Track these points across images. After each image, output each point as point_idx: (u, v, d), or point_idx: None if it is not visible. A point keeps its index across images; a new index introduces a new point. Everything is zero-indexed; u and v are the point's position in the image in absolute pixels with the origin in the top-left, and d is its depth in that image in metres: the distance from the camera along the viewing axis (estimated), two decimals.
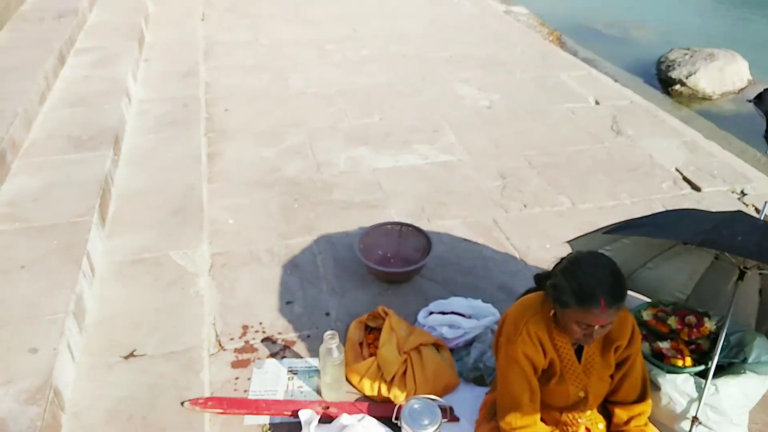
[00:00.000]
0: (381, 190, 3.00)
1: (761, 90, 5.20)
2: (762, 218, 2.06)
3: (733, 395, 1.79)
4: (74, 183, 2.41)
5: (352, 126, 3.62)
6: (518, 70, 4.46)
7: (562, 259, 1.51)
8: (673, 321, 1.98)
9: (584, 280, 1.41)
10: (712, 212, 1.86)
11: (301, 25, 5.24)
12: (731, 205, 2.96)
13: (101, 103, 3.04)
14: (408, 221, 2.65)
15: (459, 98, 4.01)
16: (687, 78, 5.23)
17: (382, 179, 3.09)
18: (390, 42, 4.93)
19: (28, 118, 2.76)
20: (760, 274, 2.00)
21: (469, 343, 2.09)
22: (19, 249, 2.06)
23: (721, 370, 1.85)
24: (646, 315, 2.04)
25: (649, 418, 1.67)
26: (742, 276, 1.86)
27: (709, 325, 1.95)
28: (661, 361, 1.85)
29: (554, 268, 1.51)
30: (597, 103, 4.00)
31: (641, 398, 1.62)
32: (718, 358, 1.81)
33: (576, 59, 4.91)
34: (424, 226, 2.63)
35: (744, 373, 1.83)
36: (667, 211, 1.92)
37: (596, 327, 1.39)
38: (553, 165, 3.25)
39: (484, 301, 2.23)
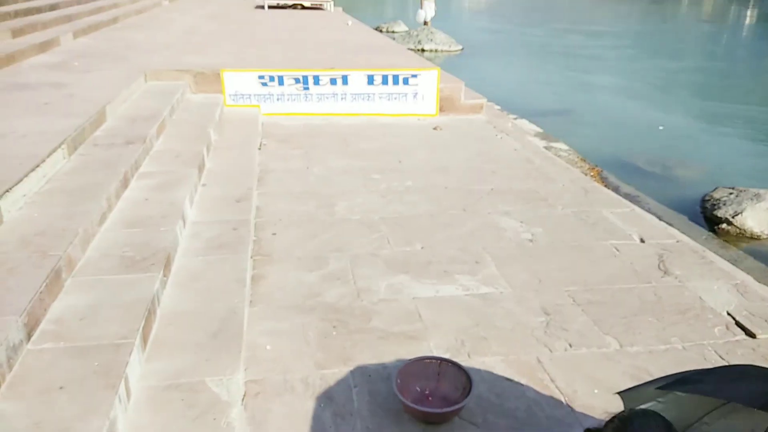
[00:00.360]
0: (420, 321, 2.97)
1: None
2: None
3: None
4: (122, 303, 2.48)
5: (393, 253, 3.67)
6: (560, 204, 4.52)
7: (614, 417, 1.42)
8: None
9: None
10: None
11: (350, 156, 5.53)
12: None
13: (157, 225, 3.20)
14: (447, 356, 2.58)
15: (501, 230, 4.05)
16: (734, 217, 5.18)
17: (422, 309, 3.07)
18: (434, 174, 5.13)
19: (86, 238, 2.91)
20: None
21: None
22: (60, 368, 2.09)
23: None
24: None
25: None
26: None
27: None
28: None
29: (605, 426, 1.42)
30: (642, 240, 3.96)
31: None
32: None
33: (618, 196, 4.96)
34: (464, 362, 2.55)
35: None
36: (726, 367, 1.81)
37: None
38: (598, 303, 3.17)
39: None
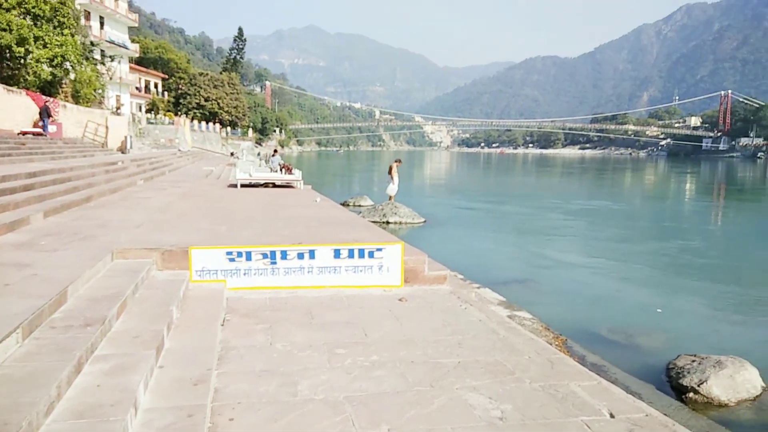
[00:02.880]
0: None
1: None
2: None
3: None
4: None
5: None
6: (528, 378, 4.47)
7: None
8: None
9: None
10: None
11: (316, 330, 5.48)
12: None
13: (107, 415, 3.02)
14: None
15: (469, 408, 3.93)
16: (699, 386, 5.18)
17: None
18: (400, 347, 5.08)
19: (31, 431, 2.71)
20: None
21: None
22: None
23: None
24: None
25: None
26: None
27: None
28: None
29: None
30: (612, 416, 3.89)
31: None
32: None
33: (584, 368, 4.95)
34: None
35: None
36: None
37: None
38: None
39: None
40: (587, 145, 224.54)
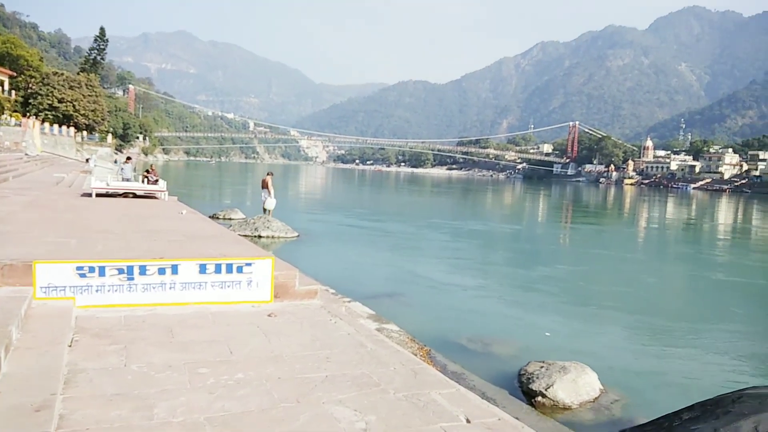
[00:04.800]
0: None
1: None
2: None
3: None
4: None
5: None
6: (392, 389, 4.60)
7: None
8: None
9: None
10: None
11: (176, 350, 5.20)
12: None
13: None
14: None
15: (334, 422, 3.96)
16: (546, 390, 5.66)
17: None
18: (267, 363, 4.98)
19: None
20: None
21: None
22: None
23: None
24: None
25: None
26: None
27: None
28: None
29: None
30: (468, 421, 4.12)
31: None
32: None
33: (444, 376, 5.20)
34: None
35: None
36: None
37: None
38: None
39: None
40: (454, 166, 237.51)
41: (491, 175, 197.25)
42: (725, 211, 53.04)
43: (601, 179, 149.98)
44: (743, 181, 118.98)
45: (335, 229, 22.88)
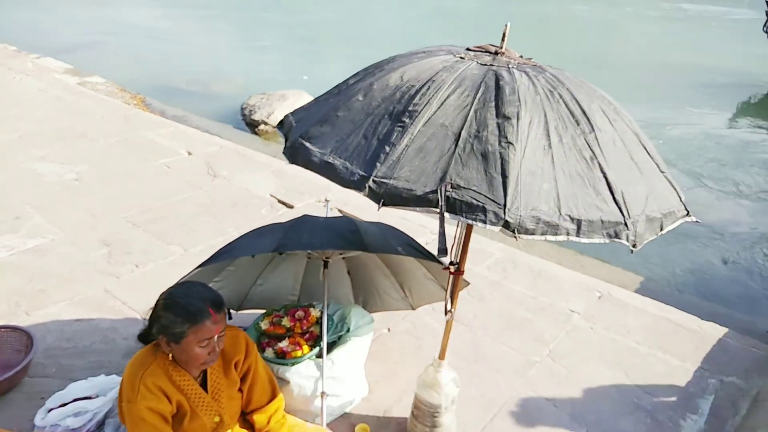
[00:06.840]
0: None
1: None
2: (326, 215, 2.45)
3: (346, 361, 2.09)
4: None
5: None
6: (102, 137, 4.30)
7: (156, 303, 1.52)
8: (286, 321, 2.20)
9: (186, 302, 1.46)
10: (283, 222, 2.13)
11: None
12: (321, 212, 3.45)
13: None
14: (1, 323, 2.28)
15: (39, 177, 3.63)
16: (268, 118, 5.90)
17: None
18: None
19: None
20: (343, 258, 2.40)
21: (101, 423, 1.92)
22: None
23: (334, 345, 2.14)
24: (264, 324, 2.21)
25: (286, 410, 1.81)
26: (326, 265, 2.19)
27: (315, 313, 2.23)
28: (284, 358, 2.03)
29: (151, 315, 1.51)
30: (190, 153, 4.15)
31: (272, 397, 1.74)
32: (328, 336, 2.10)
33: (161, 117, 5.01)
34: (24, 322, 2.32)
35: (350, 340, 2.16)
36: (247, 232, 2.12)
37: (215, 338, 1.45)
38: (158, 219, 3.24)
39: (108, 374, 2.07)
40: None
41: None
42: None
43: None
44: None
45: None
